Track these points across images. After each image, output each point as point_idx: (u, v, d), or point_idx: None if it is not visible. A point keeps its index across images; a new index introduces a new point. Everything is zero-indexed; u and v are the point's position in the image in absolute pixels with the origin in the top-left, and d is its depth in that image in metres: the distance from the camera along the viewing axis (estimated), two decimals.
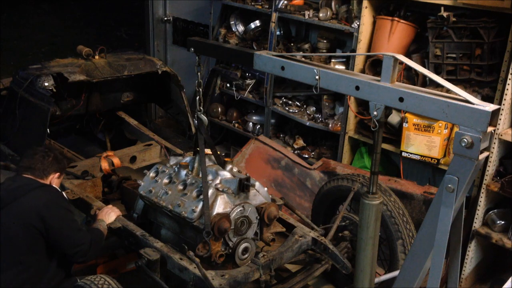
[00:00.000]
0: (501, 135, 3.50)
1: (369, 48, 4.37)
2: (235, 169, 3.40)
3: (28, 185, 2.96)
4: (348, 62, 4.52)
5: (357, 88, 2.20)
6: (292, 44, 5.10)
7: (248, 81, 5.51)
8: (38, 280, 2.92)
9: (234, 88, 5.57)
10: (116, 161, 4.33)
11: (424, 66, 3.93)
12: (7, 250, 2.87)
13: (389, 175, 4.23)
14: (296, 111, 5.15)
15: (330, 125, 4.73)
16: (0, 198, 2.91)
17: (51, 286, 2.97)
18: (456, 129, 1.97)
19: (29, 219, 2.85)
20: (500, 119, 3.45)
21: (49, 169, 3.10)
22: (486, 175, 3.60)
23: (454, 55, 3.79)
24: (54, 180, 3.14)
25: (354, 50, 4.42)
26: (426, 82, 3.97)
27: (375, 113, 2.17)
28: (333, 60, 4.68)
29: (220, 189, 3.13)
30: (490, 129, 1.89)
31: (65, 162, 3.30)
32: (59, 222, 2.93)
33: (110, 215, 3.39)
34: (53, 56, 5.13)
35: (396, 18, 4.08)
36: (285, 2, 4.91)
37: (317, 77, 2.30)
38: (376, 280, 3.34)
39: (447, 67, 3.85)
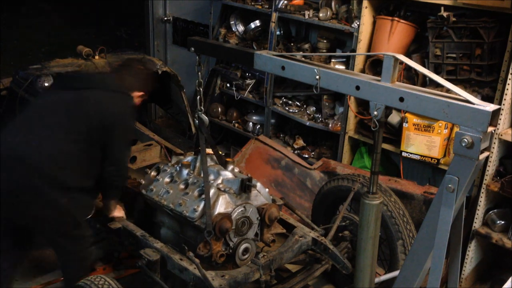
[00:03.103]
0: (501, 135, 3.50)
1: (369, 48, 4.37)
2: (236, 169, 3.40)
3: (112, 86, 2.70)
4: (348, 62, 4.52)
5: (358, 88, 2.20)
6: (292, 44, 5.09)
7: (248, 81, 5.51)
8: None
9: (234, 88, 5.57)
10: None
11: (424, 66, 3.92)
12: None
13: (389, 175, 4.23)
14: (296, 111, 5.14)
15: (330, 125, 4.73)
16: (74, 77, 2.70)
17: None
18: (456, 129, 1.97)
19: (97, 122, 2.67)
20: (500, 119, 3.45)
21: (137, 84, 2.88)
22: (486, 175, 3.60)
23: (454, 55, 3.79)
24: (136, 98, 2.96)
25: (354, 50, 4.42)
26: (426, 82, 3.97)
27: (375, 113, 2.17)
28: (333, 60, 4.67)
29: (222, 189, 3.13)
30: (490, 129, 1.88)
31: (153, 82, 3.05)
32: (120, 143, 2.83)
33: (119, 210, 3.39)
34: (53, 56, 5.10)
35: (396, 18, 4.08)
36: (285, 2, 4.91)
37: (317, 77, 2.30)
38: (376, 280, 3.34)
39: (447, 67, 3.84)
